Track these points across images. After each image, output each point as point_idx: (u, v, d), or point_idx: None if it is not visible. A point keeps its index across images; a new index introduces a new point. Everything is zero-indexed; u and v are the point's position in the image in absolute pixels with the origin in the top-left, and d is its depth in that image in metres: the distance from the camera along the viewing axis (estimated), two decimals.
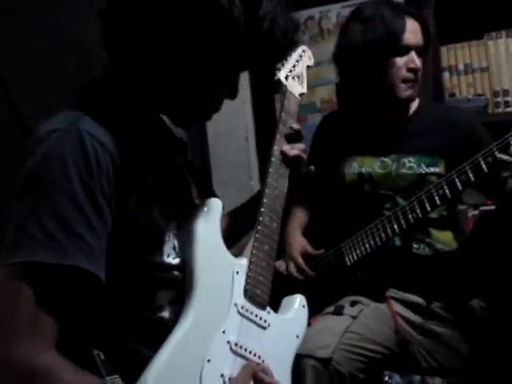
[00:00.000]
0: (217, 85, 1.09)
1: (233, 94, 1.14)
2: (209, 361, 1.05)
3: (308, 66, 1.54)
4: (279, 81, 1.45)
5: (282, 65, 1.44)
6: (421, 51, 1.86)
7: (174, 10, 0.99)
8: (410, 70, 1.83)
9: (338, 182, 1.94)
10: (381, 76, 1.84)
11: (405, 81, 1.83)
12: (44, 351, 0.91)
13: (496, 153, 1.62)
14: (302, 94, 1.47)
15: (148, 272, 1.04)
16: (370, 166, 1.90)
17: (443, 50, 2.39)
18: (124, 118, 1.05)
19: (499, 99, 2.32)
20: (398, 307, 1.84)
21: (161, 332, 1.02)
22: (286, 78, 1.46)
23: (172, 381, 0.99)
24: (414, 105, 1.93)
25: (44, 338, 0.92)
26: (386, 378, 1.65)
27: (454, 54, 2.39)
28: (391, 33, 1.80)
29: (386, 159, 1.89)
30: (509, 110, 2.30)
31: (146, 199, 1.03)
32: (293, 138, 1.32)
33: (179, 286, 1.07)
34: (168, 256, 1.07)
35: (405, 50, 1.82)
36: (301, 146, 1.32)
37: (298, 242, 1.97)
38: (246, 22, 1.01)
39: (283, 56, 1.22)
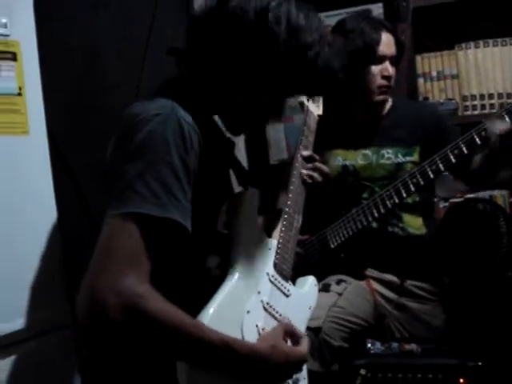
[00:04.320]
0: (258, 96, 1.30)
1: (277, 114, 1.37)
2: (248, 312, 1.28)
3: None
4: (302, 102, 1.75)
5: None
6: (394, 60, 2.10)
7: (236, 29, 1.23)
8: (384, 77, 2.07)
9: None
10: (359, 82, 2.08)
11: (379, 87, 2.08)
12: (142, 282, 1.09)
13: (462, 146, 1.85)
14: (318, 115, 1.78)
15: (205, 238, 1.27)
16: (353, 158, 2.13)
17: (418, 58, 2.60)
18: (197, 112, 1.25)
19: (468, 103, 2.53)
20: (375, 285, 2.06)
21: (209, 287, 1.26)
22: (308, 100, 1.76)
23: (221, 323, 1.19)
24: (388, 104, 2.18)
25: (143, 272, 1.10)
26: (369, 345, 1.86)
27: (428, 62, 2.60)
28: (368, 44, 2.04)
29: (367, 151, 2.12)
30: (476, 112, 2.51)
31: (210, 179, 1.26)
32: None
33: (225, 254, 1.31)
34: (220, 227, 1.30)
35: (380, 59, 2.07)
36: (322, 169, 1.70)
37: None
38: (288, 42, 1.22)
39: (321, 86, 1.32)
